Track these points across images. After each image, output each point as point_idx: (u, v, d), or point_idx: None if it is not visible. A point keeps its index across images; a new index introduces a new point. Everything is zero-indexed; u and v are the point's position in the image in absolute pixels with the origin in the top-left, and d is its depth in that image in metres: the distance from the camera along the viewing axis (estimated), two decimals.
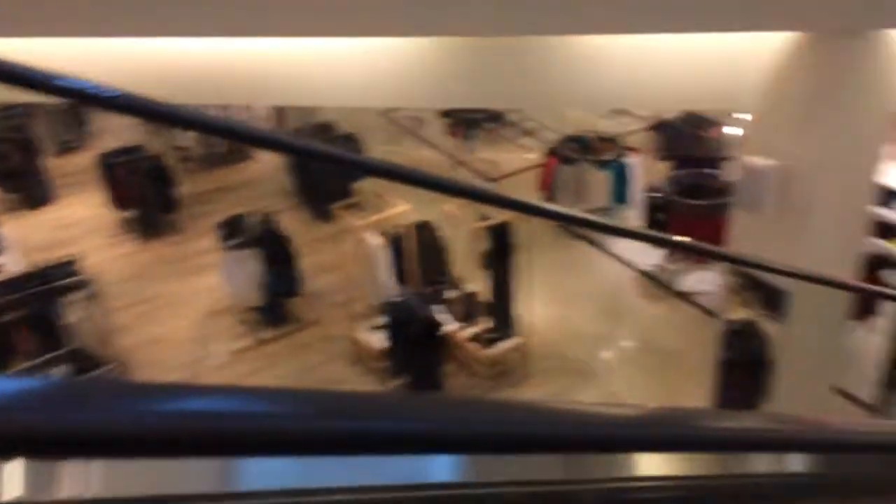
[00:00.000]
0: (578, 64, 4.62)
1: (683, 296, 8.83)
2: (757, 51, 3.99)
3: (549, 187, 9.78)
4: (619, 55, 4.46)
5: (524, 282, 8.02)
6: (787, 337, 4.67)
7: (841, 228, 4.33)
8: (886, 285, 7.40)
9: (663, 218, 8.86)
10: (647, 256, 9.47)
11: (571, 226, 9.72)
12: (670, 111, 9.78)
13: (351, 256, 8.03)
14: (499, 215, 7.43)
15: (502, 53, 4.57)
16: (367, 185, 9.23)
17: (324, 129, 10.62)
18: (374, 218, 7.83)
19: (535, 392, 7.80)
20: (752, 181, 4.04)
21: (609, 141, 10.12)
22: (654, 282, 9.18)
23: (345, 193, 9.31)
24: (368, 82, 4.82)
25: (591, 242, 10.19)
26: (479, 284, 8.05)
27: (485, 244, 7.64)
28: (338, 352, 8.13)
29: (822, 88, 3.87)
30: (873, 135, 4.21)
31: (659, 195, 8.92)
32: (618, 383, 7.88)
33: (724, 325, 5.17)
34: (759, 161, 4.02)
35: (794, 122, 4.02)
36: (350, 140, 10.34)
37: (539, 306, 8.67)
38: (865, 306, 7.39)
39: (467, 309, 7.98)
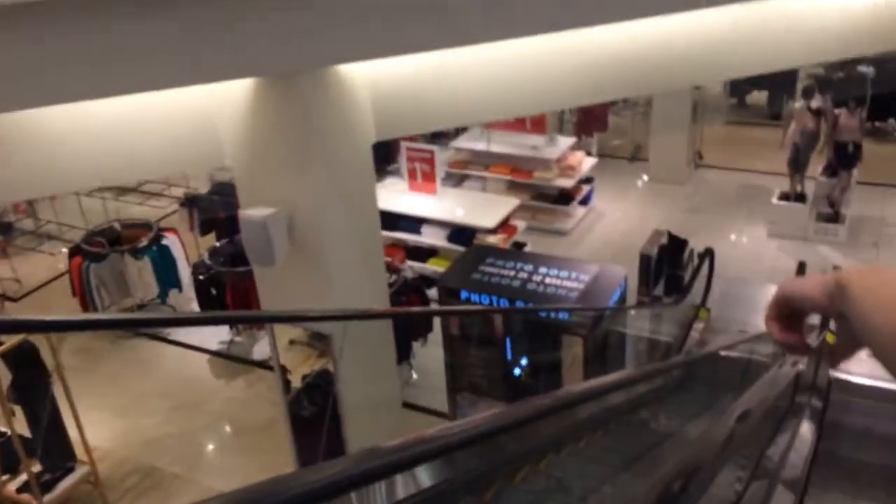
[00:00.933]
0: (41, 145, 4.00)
1: (261, 364, 8.54)
2: (225, 104, 3.85)
3: (82, 291, 8.71)
4: (85, 131, 3.97)
5: (76, 401, 6.96)
6: (351, 371, 4.64)
7: (358, 262, 4.43)
8: (430, 303, 8.04)
9: (217, 291, 8.47)
10: (217, 335, 9.02)
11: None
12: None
13: None
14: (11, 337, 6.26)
15: None
16: None
17: None
18: None
19: None
20: (254, 233, 3.89)
21: (141, 226, 9.43)
22: (228, 359, 8.75)
23: None
24: None
25: (156, 337, 9.38)
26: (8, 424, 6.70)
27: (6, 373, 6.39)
28: None
29: (294, 131, 3.88)
30: (361, 167, 4.39)
31: (205, 270, 8.51)
32: (214, 477, 7.24)
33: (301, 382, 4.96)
34: (255, 212, 3.88)
35: (280, 167, 3.98)
36: None
37: (105, 422, 7.66)
38: (424, 325, 7.95)
39: (2, 457, 6.59)
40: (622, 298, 6.39)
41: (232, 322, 7.03)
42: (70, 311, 9.03)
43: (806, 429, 4.79)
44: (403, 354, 7.67)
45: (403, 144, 9.33)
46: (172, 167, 4.66)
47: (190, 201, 9.90)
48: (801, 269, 8.19)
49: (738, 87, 14.27)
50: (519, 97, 4.72)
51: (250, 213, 3.89)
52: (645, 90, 6.02)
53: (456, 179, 11.27)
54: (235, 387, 8.39)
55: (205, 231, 9.81)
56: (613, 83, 5.11)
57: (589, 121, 12.54)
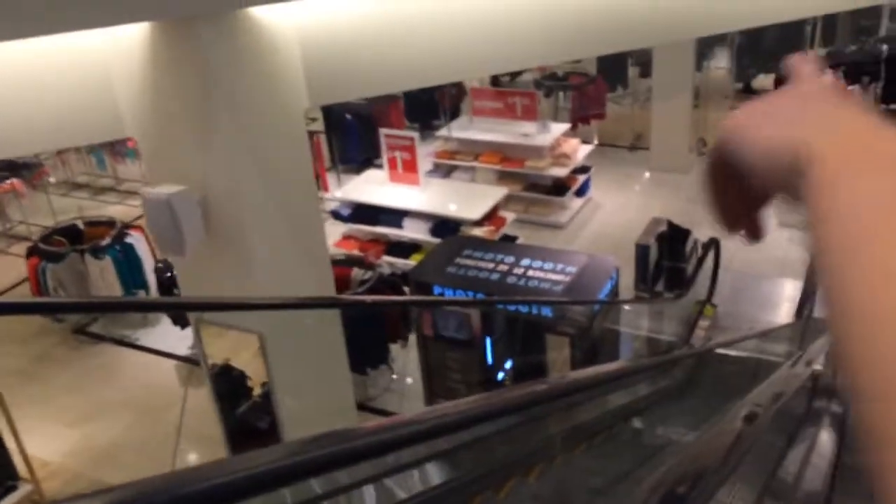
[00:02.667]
0: None
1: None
2: (120, 62, 3.23)
3: (39, 294, 8.11)
4: None
5: (31, 412, 6.43)
6: (289, 376, 4.00)
7: (291, 250, 3.80)
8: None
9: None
10: (186, 339, 8.37)
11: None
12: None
13: None
14: None
15: None
16: None
17: None
18: None
19: None
20: (159, 216, 3.25)
21: (105, 224, 8.83)
22: (197, 364, 8.11)
23: None
24: None
25: (121, 342, 8.78)
26: None
27: None
28: None
29: (199, 91, 3.25)
30: (291, 138, 3.74)
31: (168, 270, 7.89)
32: None
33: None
34: (158, 190, 3.25)
35: (187, 138, 3.35)
36: None
37: (59, 434, 7.06)
38: (402, 325, 7.30)
39: None
40: (613, 292, 5.71)
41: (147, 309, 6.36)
42: (29, 317, 8.43)
43: (825, 439, 4.21)
44: (379, 357, 7.02)
45: (382, 132, 8.69)
46: (66, 139, 4.03)
47: None
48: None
49: (744, 71, 13.57)
50: (476, 54, 4.07)
51: (153, 191, 3.26)
52: (615, 46, 5.31)
53: (444, 171, 10.63)
54: (201, 394, 7.74)
55: None
56: (580, 39, 4.44)
57: (585, 108, 11.87)
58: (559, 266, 5.64)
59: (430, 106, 12.83)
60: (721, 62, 14.91)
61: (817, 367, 6.59)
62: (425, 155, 11.05)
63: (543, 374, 5.49)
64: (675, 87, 10.86)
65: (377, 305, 5.70)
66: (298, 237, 3.88)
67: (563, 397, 2.28)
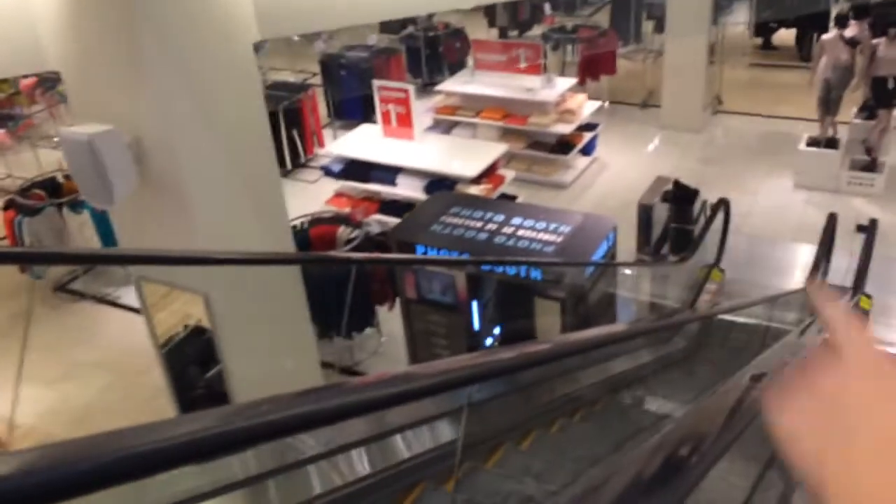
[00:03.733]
0: None
1: None
2: None
3: (16, 245, 7.78)
4: None
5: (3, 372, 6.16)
6: (241, 342, 3.64)
7: (241, 202, 3.40)
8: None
9: None
10: None
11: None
12: None
13: None
14: None
15: None
16: None
17: None
18: None
19: None
20: (81, 159, 2.85)
21: None
22: None
23: None
24: None
25: (103, 300, 8.48)
26: None
27: None
28: None
29: (129, 18, 2.83)
30: (238, 74, 3.32)
31: None
32: None
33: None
34: (79, 130, 2.84)
35: (116, 70, 2.94)
36: None
37: (33, 395, 6.79)
38: (388, 287, 6.91)
39: None
40: (610, 254, 5.29)
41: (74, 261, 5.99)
42: (8, 273, 8.13)
43: None
44: (365, 320, 6.66)
45: (375, 83, 8.22)
46: None
47: None
48: (832, 223, 6.99)
49: (764, 27, 12.90)
50: None
51: (73, 130, 2.86)
52: None
53: (444, 127, 10.15)
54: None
55: None
56: None
57: (595, 62, 11.31)
58: (552, 225, 5.22)
59: (432, 60, 12.32)
60: (739, 17, 14.22)
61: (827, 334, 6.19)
62: (425, 110, 10.59)
63: (530, 340, 5.10)
64: (689, 41, 10.27)
65: (340, 263, 5.33)
66: (251, 189, 3.48)
67: (547, 361, 1.95)
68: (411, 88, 8.02)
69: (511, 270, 5.03)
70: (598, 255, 5.03)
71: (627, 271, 6.36)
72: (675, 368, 5.87)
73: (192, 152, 3.10)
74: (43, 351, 7.65)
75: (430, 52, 12.31)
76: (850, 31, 8.35)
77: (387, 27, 15.06)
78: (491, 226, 5.31)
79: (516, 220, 5.34)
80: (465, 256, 5.08)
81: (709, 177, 9.47)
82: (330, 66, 11.19)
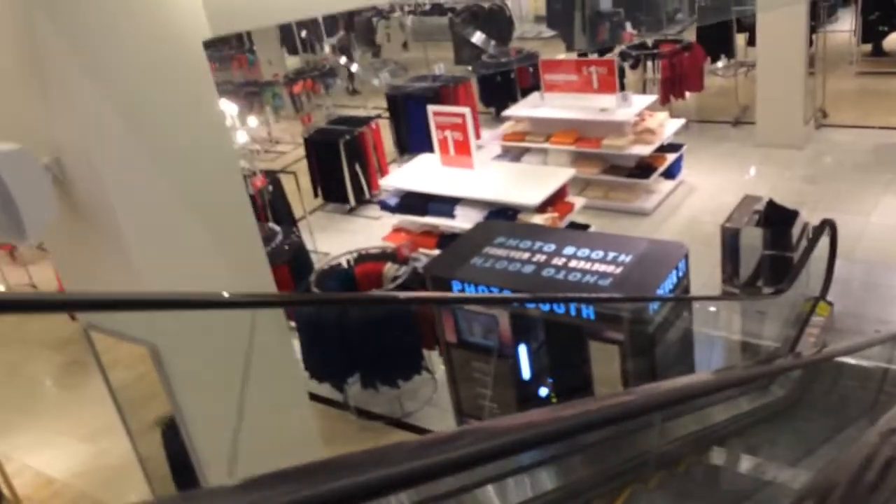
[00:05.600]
0: None
1: None
2: None
3: None
4: None
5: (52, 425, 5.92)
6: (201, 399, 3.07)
7: (204, 230, 2.85)
8: None
9: None
10: None
11: None
12: None
13: None
14: None
15: None
16: None
17: None
18: None
19: None
20: None
21: None
22: None
23: None
24: None
25: None
26: None
27: None
28: None
29: (49, 13, 2.34)
30: (190, 77, 2.79)
31: None
32: None
33: None
34: None
35: (29, 79, 2.46)
36: None
37: (69, 449, 6.49)
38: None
39: None
40: (681, 286, 4.44)
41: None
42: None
43: None
44: (411, 366, 6.00)
45: (430, 109, 7.68)
46: None
47: None
48: None
49: (872, 31, 11.64)
50: None
51: None
52: None
53: (514, 154, 9.49)
54: None
55: None
56: None
57: (679, 79, 10.42)
58: (610, 255, 4.44)
59: (505, 87, 11.73)
60: (844, 24, 12.99)
61: None
62: (493, 139, 9.99)
63: (587, 392, 4.31)
64: (785, 52, 9.25)
65: (344, 303, 4.71)
66: (209, 216, 2.93)
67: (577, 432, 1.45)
68: (467, 111, 7.42)
69: (560, 309, 4.27)
70: (665, 289, 4.20)
71: (713, 307, 5.46)
72: (773, 422, 4.91)
73: (128, 173, 2.58)
74: (90, 402, 7.40)
75: (503, 80, 11.72)
76: None
77: (462, 57, 14.66)
78: (539, 257, 4.58)
79: (569, 250, 4.60)
80: (505, 293, 4.37)
81: (813, 197, 8.38)
82: (396, 98, 10.78)
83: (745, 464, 4.49)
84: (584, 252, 4.53)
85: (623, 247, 4.52)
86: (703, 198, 8.85)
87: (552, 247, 4.67)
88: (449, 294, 4.67)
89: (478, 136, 10.83)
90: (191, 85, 2.81)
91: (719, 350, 5.66)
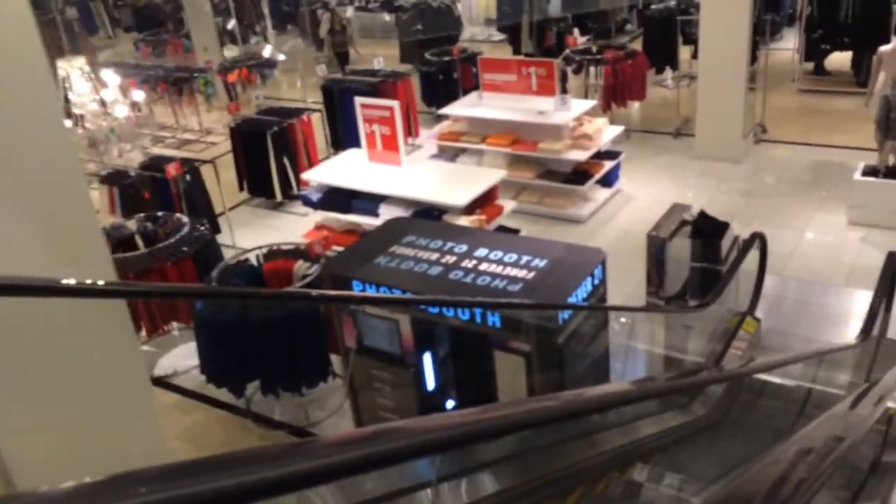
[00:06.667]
0: None
1: (160, 381, 6.62)
2: None
3: None
4: None
5: None
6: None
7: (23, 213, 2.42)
8: None
9: None
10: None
11: None
12: None
13: None
14: None
15: None
16: None
17: None
18: None
19: None
20: None
21: None
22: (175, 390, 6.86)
23: None
24: None
25: None
26: None
27: None
28: None
29: None
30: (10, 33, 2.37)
31: None
32: None
33: None
34: None
35: None
36: None
37: None
38: None
39: None
40: (597, 295, 4.15)
41: None
42: None
43: None
44: (318, 372, 5.59)
45: (357, 101, 7.31)
46: None
47: (112, 178, 8.14)
48: (893, 263, 5.69)
49: (815, 50, 11.66)
50: None
51: None
52: None
53: (450, 154, 9.17)
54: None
55: (129, 214, 8.02)
56: None
57: (621, 87, 10.24)
58: (524, 258, 4.13)
59: (447, 86, 11.41)
60: (789, 43, 13.02)
61: (891, 404, 4.91)
62: (430, 137, 9.66)
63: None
64: (726, 66, 9.13)
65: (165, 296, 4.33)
66: (33, 203, 2.50)
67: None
68: (395, 105, 7.07)
69: (465, 315, 3.93)
70: (577, 296, 3.90)
71: (632, 319, 5.19)
72: (693, 441, 4.67)
73: None
74: None
75: (445, 79, 11.41)
76: None
77: (407, 56, 14.32)
78: (449, 258, 4.24)
79: (481, 252, 4.27)
80: (408, 296, 4.02)
81: (748, 211, 8.25)
82: (332, 91, 10.37)
83: (660, 483, 4.23)
84: (497, 254, 4.21)
85: (538, 250, 4.21)
86: (638, 208, 8.65)
87: (464, 248, 4.34)
88: (357, 294, 4.30)
89: (416, 135, 10.50)
90: (10, 46, 2.38)
91: (640, 364, 5.41)
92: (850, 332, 6.02)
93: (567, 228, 8.30)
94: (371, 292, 4.09)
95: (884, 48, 7.36)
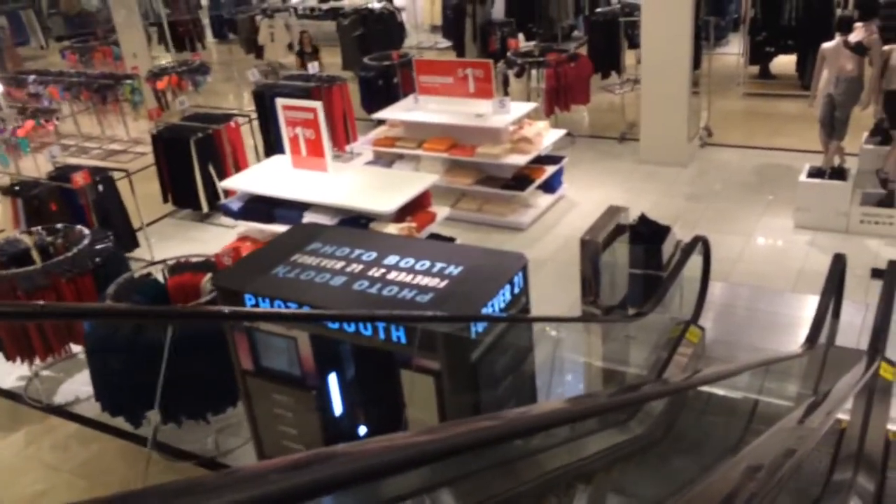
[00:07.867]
0: None
1: (59, 410, 6.03)
2: None
3: None
4: None
5: None
6: None
7: None
8: None
9: None
10: (18, 368, 6.34)
11: None
12: None
13: None
14: None
15: None
16: None
17: None
18: None
19: None
20: None
21: None
22: (19, 402, 6.24)
23: None
24: None
25: None
26: None
27: None
28: None
29: None
30: None
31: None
32: None
33: None
34: None
35: None
36: None
37: None
38: None
39: None
40: (518, 305, 3.74)
41: None
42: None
43: None
44: (226, 398, 5.07)
45: (279, 102, 6.84)
46: None
47: (15, 190, 7.53)
48: (839, 267, 5.38)
49: (760, 54, 11.52)
50: None
51: None
52: None
53: (386, 161, 8.74)
54: (10, 443, 5.87)
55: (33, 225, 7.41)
56: None
57: (564, 90, 9.93)
58: (438, 266, 3.70)
59: (386, 92, 10.98)
60: (734, 48, 12.90)
61: (842, 416, 4.60)
62: (365, 143, 9.21)
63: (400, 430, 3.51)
64: (669, 70, 8.88)
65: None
66: None
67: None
68: (318, 105, 6.61)
69: (367, 330, 3.48)
70: (494, 306, 3.47)
71: (563, 331, 4.80)
72: (630, 463, 4.27)
73: None
74: None
75: (384, 85, 10.98)
76: (855, 36, 6.90)
77: (349, 62, 13.88)
78: (355, 267, 3.80)
79: (391, 260, 3.83)
80: (305, 310, 3.55)
81: (694, 215, 7.96)
82: (264, 96, 9.87)
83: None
84: (408, 262, 3.77)
85: (453, 257, 3.78)
86: (582, 214, 8.30)
87: (373, 255, 3.90)
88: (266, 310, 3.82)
89: (354, 140, 10.04)
90: None
91: (577, 379, 5.01)
92: (799, 339, 5.70)
93: (507, 236, 7.91)
94: (265, 307, 3.62)
95: (826, 45, 7.13)
